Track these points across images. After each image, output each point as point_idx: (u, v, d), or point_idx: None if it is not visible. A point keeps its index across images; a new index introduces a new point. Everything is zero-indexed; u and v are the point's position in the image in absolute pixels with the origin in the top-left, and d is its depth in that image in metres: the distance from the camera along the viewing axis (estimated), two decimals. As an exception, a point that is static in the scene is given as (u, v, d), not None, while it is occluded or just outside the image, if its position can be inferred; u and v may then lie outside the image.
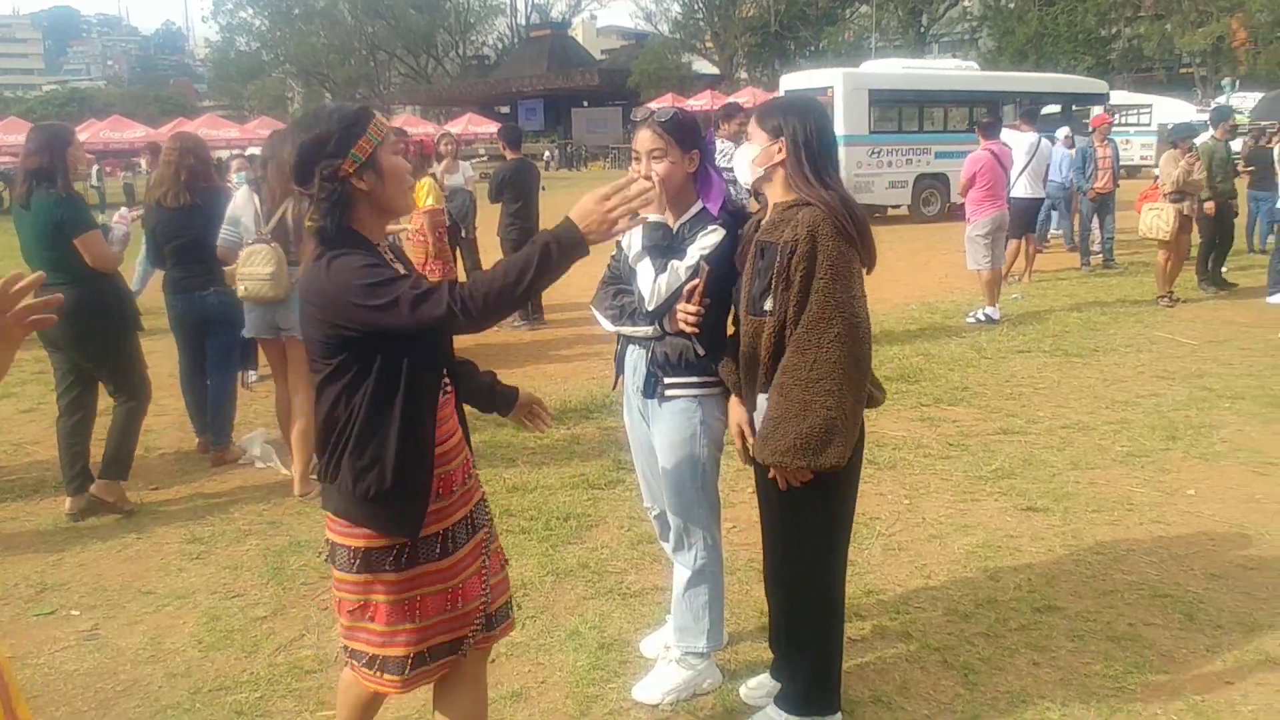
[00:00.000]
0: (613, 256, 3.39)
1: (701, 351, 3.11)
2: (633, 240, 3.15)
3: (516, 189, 9.67)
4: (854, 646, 3.73)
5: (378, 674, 2.44)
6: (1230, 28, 42.69)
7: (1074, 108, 21.67)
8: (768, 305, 2.86)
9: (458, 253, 10.51)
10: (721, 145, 8.47)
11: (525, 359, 8.73)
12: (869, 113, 19.66)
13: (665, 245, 3.09)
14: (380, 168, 2.30)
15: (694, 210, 3.15)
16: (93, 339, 5.22)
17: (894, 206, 20.42)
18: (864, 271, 2.87)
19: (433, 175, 9.66)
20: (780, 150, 2.92)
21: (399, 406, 2.29)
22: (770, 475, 2.91)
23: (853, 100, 19.47)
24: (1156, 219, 10.54)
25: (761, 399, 2.94)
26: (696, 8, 61.43)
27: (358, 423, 2.30)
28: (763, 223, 2.95)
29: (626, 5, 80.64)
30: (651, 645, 3.73)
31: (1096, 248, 13.52)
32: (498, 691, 3.53)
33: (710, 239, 3.07)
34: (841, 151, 14.18)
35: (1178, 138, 11.26)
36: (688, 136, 3.12)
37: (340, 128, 2.26)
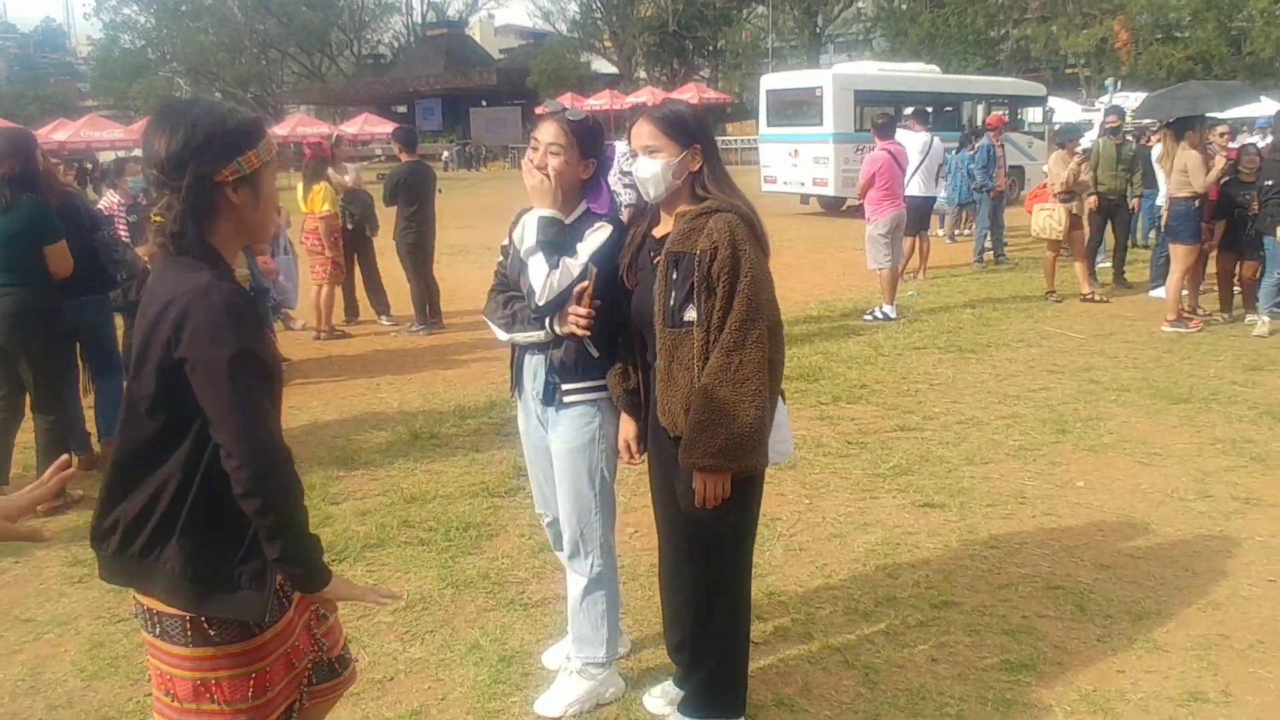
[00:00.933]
0: (500, 263, 3.33)
1: (596, 353, 3.08)
2: (525, 235, 3.09)
3: (411, 192, 9.49)
4: (756, 649, 3.72)
5: None
6: (1113, 30, 44.25)
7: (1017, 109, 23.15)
8: (689, 316, 2.82)
9: (354, 255, 10.31)
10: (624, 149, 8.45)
11: (423, 365, 8.57)
12: (854, 112, 20.41)
13: (557, 240, 3.04)
14: (259, 187, 2.10)
15: (578, 213, 3.13)
16: (39, 341, 5.37)
17: None
18: None
19: (326, 179, 9.46)
20: (695, 159, 2.90)
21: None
22: (694, 483, 2.87)
23: (841, 100, 20.29)
24: (1048, 219, 10.86)
25: None
26: (594, 7, 61.41)
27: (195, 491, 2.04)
28: (669, 235, 2.90)
29: (524, 4, 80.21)
30: (554, 656, 3.68)
31: (988, 244, 13.86)
32: (396, 711, 3.44)
33: (598, 235, 3.05)
34: (830, 149, 14.41)
35: (1065, 139, 11.60)
36: (591, 143, 3.09)
37: (234, 131, 2.04)
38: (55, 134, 33.47)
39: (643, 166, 2.91)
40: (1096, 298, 10.94)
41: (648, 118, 2.94)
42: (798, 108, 21.33)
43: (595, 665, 3.39)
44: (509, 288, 3.25)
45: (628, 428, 3.15)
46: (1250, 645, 3.74)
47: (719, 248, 2.75)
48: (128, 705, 3.53)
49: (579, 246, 3.05)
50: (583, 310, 3.00)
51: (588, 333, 3.02)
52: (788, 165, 20.87)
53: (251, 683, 2.12)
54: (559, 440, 3.21)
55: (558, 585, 4.26)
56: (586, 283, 3.00)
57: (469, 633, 3.95)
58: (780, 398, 2.97)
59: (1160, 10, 43.06)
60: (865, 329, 9.66)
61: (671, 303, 2.84)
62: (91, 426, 6.17)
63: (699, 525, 2.99)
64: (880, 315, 10.01)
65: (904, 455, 5.94)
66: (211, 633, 2.07)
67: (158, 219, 2.05)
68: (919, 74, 23.45)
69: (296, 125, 40.98)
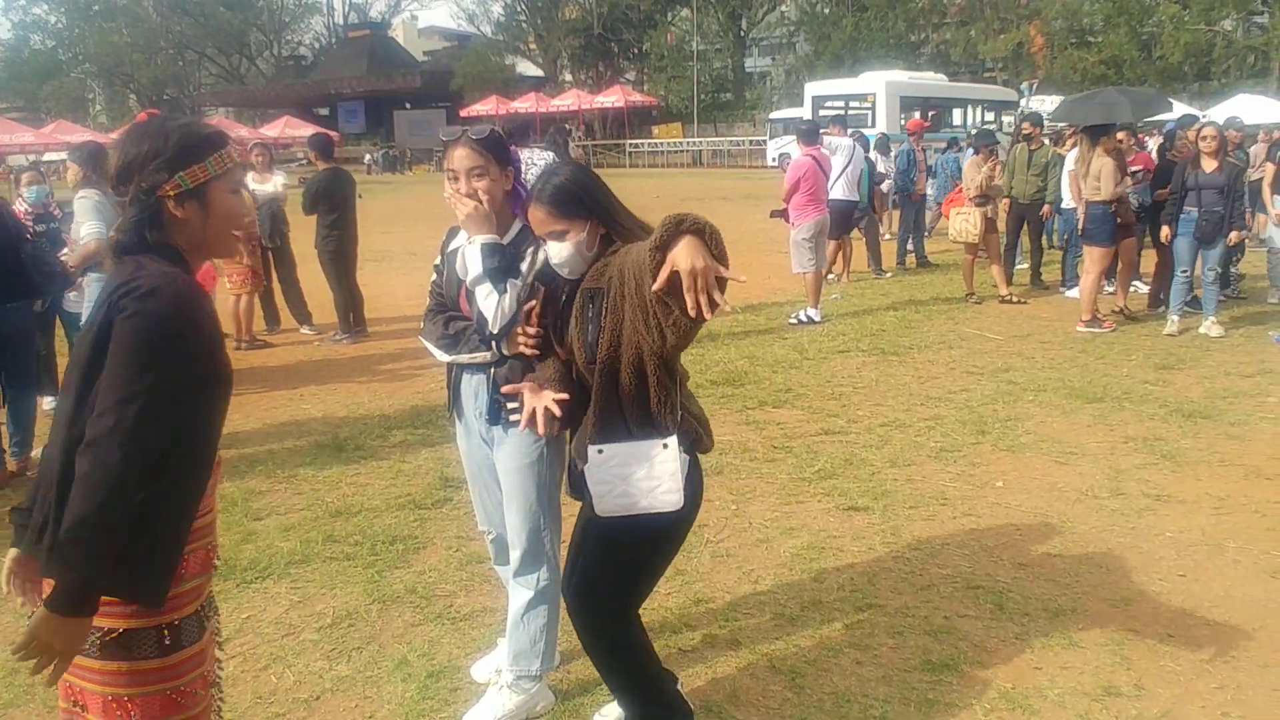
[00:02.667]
0: (434, 283, 3.31)
1: None
2: (469, 265, 3.06)
3: (331, 200, 9.37)
4: (684, 657, 3.76)
5: None
6: (1029, 34, 45.37)
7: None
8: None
9: (271, 264, 10.16)
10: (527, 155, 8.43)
11: (348, 374, 8.47)
12: (899, 114, 22.93)
13: (504, 266, 3.02)
14: (208, 202, 2.08)
15: (516, 228, 3.12)
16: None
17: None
18: None
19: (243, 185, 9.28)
20: (599, 225, 2.84)
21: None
22: None
23: (890, 104, 23.34)
24: (964, 223, 11.10)
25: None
26: (519, 10, 61.30)
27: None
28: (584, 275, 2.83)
29: (448, 6, 79.58)
30: (483, 670, 3.67)
31: (910, 247, 14.11)
32: (322, 730, 3.40)
33: (542, 254, 3.01)
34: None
35: (980, 144, 11.86)
36: (503, 153, 3.09)
37: (176, 146, 2.04)
38: None
39: (555, 252, 2.82)
40: (1014, 299, 11.19)
41: (538, 203, 2.82)
42: (848, 110, 23.77)
43: (528, 679, 3.38)
44: (447, 308, 3.22)
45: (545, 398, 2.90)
46: (1161, 639, 3.86)
47: (612, 265, 2.73)
48: (43, 733, 3.44)
49: (522, 266, 3.04)
50: (531, 330, 2.99)
51: (537, 352, 3.01)
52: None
53: (168, 702, 2.07)
54: (507, 458, 3.20)
55: (485, 598, 4.26)
56: (534, 302, 2.99)
57: (396, 648, 3.91)
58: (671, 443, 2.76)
59: (1074, 16, 44.31)
60: (790, 332, 9.77)
61: (589, 339, 2.77)
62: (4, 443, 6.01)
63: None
64: (804, 318, 10.13)
65: (829, 459, 6.02)
66: (132, 642, 2.02)
67: (113, 233, 2.10)
68: (935, 81, 27.03)
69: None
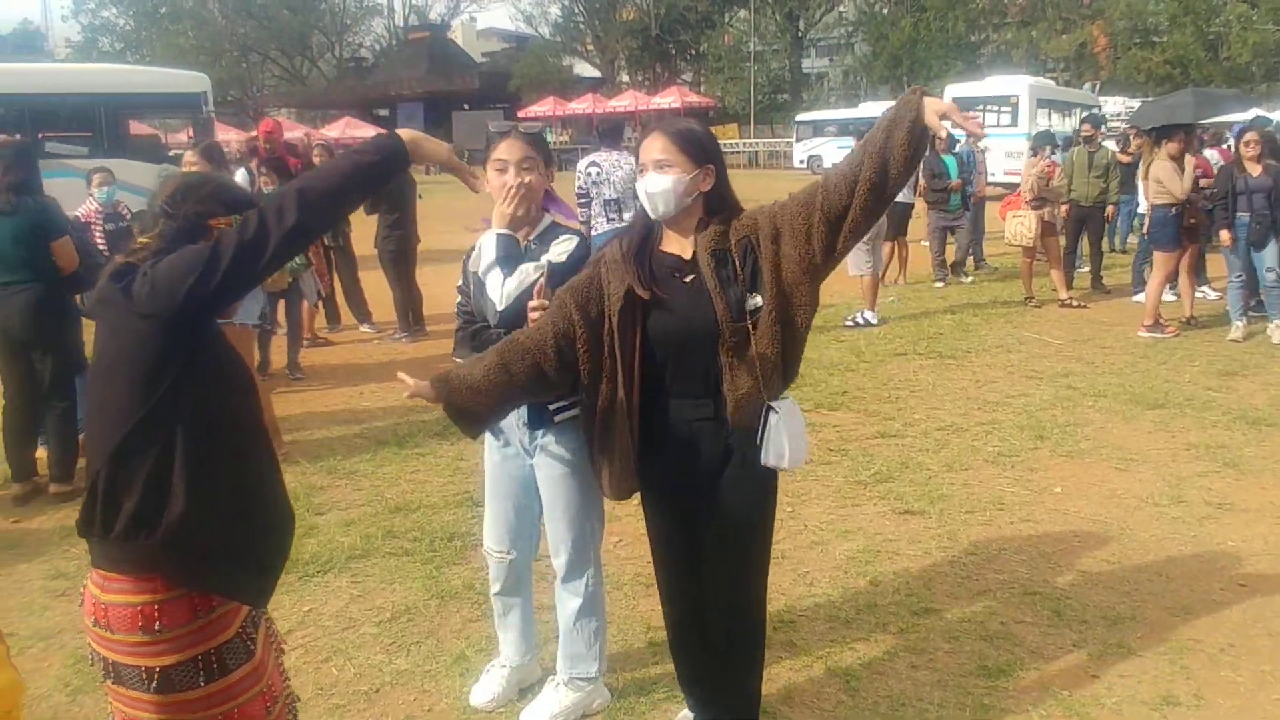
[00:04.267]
0: (459, 304, 3.36)
1: None
2: (482, 255, 3.10)
3: (392, 200, 9.51)
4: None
5: None
6: (1092, 34, 44.63)
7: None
8: (755, 303, 2.75)
9: (332, 263, 10.32)
10: (617, 157, 8.50)
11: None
12: (1037, 116, 25.78)
13: (515, 255, 3.06)
14: None
15: (544, 224, 3.17)
16: (55, 335, 5.78)
17: None
18: None
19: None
20: (707, 179, 2.82)
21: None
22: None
23: (1031, 105, 26.09)
24: (1019, 225, 10.98)
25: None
26: (577, 11, 61.48)
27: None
28: (698, 245, 2.82)
29: (506, 8, 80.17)
30: (481, 695, 3.57)
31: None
32: (382, 722, 3.48)
33: (565, 245, 3.06)
34: (1024, 145, 15.46)
35: (1038, 145, 11.72)
36: (548, 153, 3.15)
37: (242, 194, 2.24)
38: None
39: (651, 181, 2.77)
40: (1073, 303, 11.05)
41: (661, 131, 2.83)
42: (985, 112, 26.23)
43: (583, 679, 3.43)
44: (474, 321, 3.25)
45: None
46: (1221, 649, 3.82)
47: (759, 220, 2.80)
48: None
49: (545, 256, 3.06)
50: (537, 303, 2.97)
51: None
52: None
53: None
54: (550, 464, 3.21)
55: (541, 595, 4.30)
56: (540, 279, 2.99)
57: (454, 643, 3.98)
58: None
59: (1138, 15, 43.47)
60: (846, 334, 9.74)
61: (732, 298, 2.75)
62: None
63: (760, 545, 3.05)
64: (861, 320, 10.09)
65: (885, 462, 6.00)
66: (174, 679, 2.09)
67: (144, 241, 2.13)
68: (1052, 84, 30.86)
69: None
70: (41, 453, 5.99)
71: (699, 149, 2.82)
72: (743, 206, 2.91)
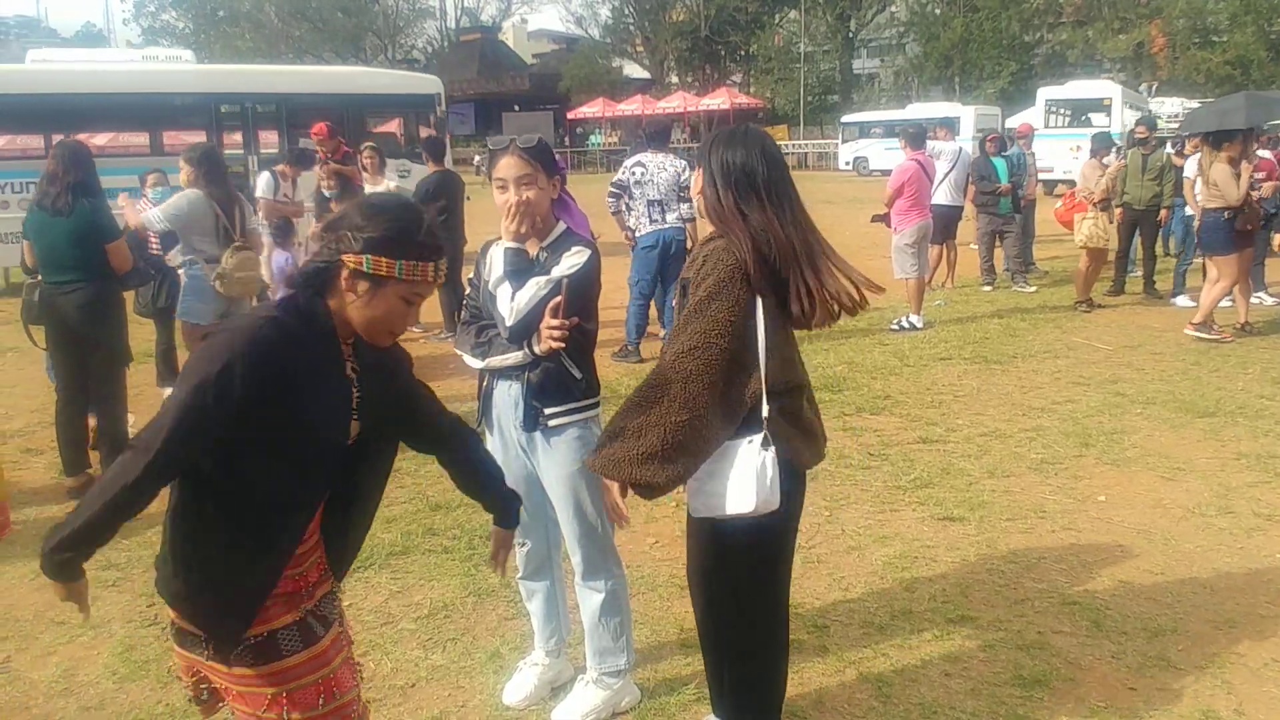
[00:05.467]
0: (468, 297, 3.38)
1: (578, 374, 3.12)
2: (493, 267, 3.14)
3: (440, 201, 9.62)
4: (772, 662, 3.78)
5: None
6: (1150, 34, 43.88)
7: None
8: None
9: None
10: (663, 159, 8.54)
11: (452, 371, 8.66)
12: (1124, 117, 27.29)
13: (525, 269, 3.09)
14: (374, 298, 2.10)
15: (556, 233, 3.17)
16: (107, 332, 5.95)
17: None
18: (768, 310, 2.79)
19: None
20: (699, 183, 2.88)
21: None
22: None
23: (1123, 108, 28.03)
24: (1094, 227, 10.81)
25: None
26: (626, 12, 61.56)
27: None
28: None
29: (557, 9, 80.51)
30: (513, 693, 3.61)
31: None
32: (417, 717, 3.53)
33: (576, 259, 3.07)
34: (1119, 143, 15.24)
35: (1098, 147, 11.57)
36: (550, 163, 3.14)
37: (387, 230, 2.08)
38: (94, 139, 33.87)
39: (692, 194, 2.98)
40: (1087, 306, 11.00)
41: (701, 167, 2.94)
42: (1078, 113, 29.29)
43: (613, 675, 3.45)
44: (480, 318, 3.27)
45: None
46: (1265, 664, 3.75)
47: (699, 272, 2.77)
48: (157, 708, 3.63)
49: (555, 270, 3.07)
50: (556, 323, 3.01)
51: (563, 345, 3.04)
52: (1068, 158, 24.43)
53: (280, 701, 2.19)
54: (554, 466, 3.23)
55: (572, 594, 4.33)
56: (559, 297, 3.02)
57: (490, 641, 4.02)
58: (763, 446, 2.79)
59: (1198, 14, 42.70)
60: (891, 338, 9.68)
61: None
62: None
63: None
64: (906, 325, 10.02)
65: (925, 468, 5.96)
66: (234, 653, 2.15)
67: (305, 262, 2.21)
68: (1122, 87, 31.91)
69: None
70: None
71: (701, 156, 2.93)
72: (751, 225, 2.81)
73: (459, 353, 3.37)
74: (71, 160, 5.79)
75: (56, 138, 15.01)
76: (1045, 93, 30.48)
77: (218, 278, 6.28)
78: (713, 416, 2.74)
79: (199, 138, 13.87)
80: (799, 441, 2.91)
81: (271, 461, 2.07)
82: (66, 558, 2.08)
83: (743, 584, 2.98)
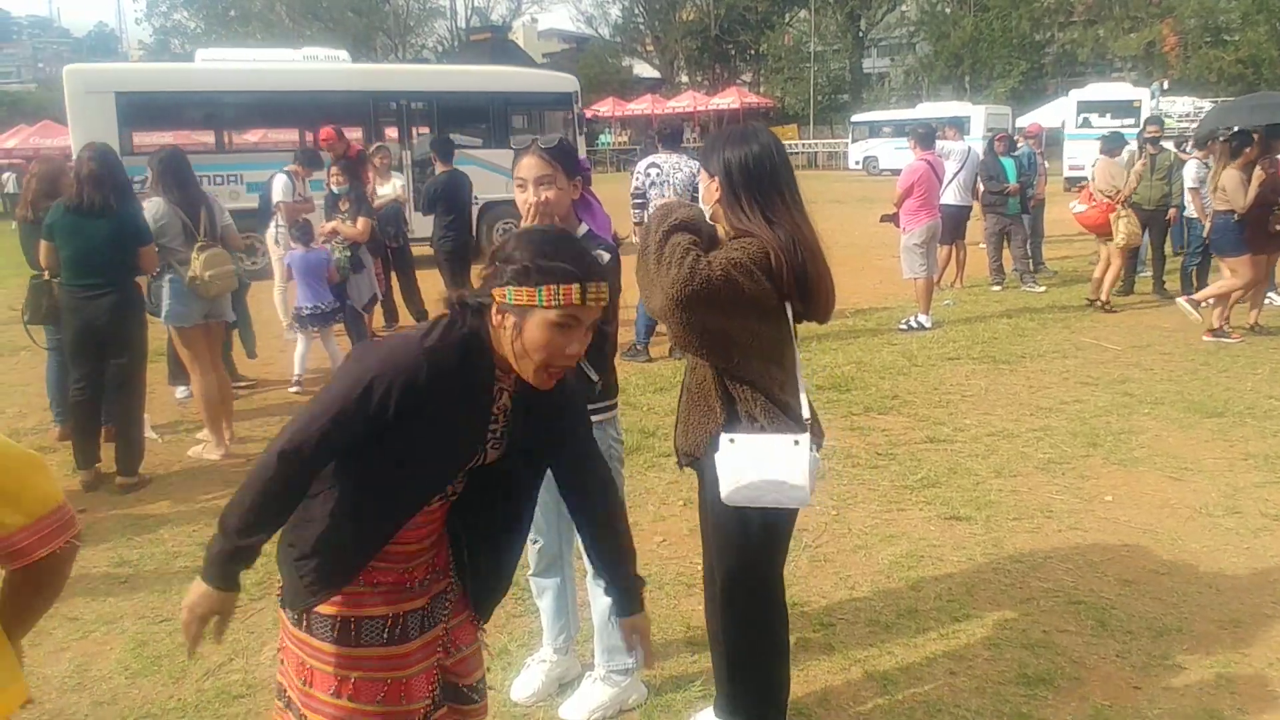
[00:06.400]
0: None
1: (594, 377, 3.13)
2: None
3: (448, 202, 9.68)
4: (777, 660, 3.80)
5: None
6: (1161, 33, 43.75)
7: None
8: None
9: (389, 262, 10.47)
10: (677, 159, 8.53)
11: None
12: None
13: None
14: (522, 327, 2.06)
15: (580, 233, 3.18)
16: (136, 333, 6.09)
17: None
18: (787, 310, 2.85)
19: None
20: (717, 188, 2.85)
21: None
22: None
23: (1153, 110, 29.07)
24: (1129, 225, 10.76)
25: (724, 437, 2.85)
26: (636, 12, 61.66)
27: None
28: None
29: (567, 9, 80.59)
30: (521, 690, 3.66)
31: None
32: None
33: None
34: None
35: (1110, 146, 11.55)
36: (571, 164, 3.15)
37: (527, 258, 2.04)
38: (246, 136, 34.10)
39: (703, 198, 2.96)
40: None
41: (713, 172, 2.94)
42: (1108, 113, 30.03)
43: (620, 673, 3.48)
44: None
45: None
46: (1270, 664, 3.76)
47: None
48: (169, 703, 3.67)
49: None
50: None
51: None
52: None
53: (339, 685, 2.21)
54: None
55: (585, 592, 4.36)
56: None
57: (498, 638, 4.05)
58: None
59: (1210, 13, 42.54)
60: (899, 338, 9.69)
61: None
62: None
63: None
64: (915, 324, 10.03)
65: (933, 467, 5.98)
66: (314, 625, 2.21)
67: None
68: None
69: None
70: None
71: (711, 161, 2.90)
72: (778, 226, 2.83)
73: None
74: (113, 163, 5.90)
75: (227, 134, 15.58)
76: (1077, 94, 32.22)
77: (192, 281, 6.28)
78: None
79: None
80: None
81: (386, 462, 2.11)
82: (229, 557, 2.11)
83: (753, 574, 3.06)
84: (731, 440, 2.82)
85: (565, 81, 18.16)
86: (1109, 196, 10.85)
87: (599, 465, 2.43)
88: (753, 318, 2.78)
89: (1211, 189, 9.58)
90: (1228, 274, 9.43)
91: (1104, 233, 10.92)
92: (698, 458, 2.96)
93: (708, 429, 2.90)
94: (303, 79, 16.04)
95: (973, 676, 3.70)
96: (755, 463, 2.79)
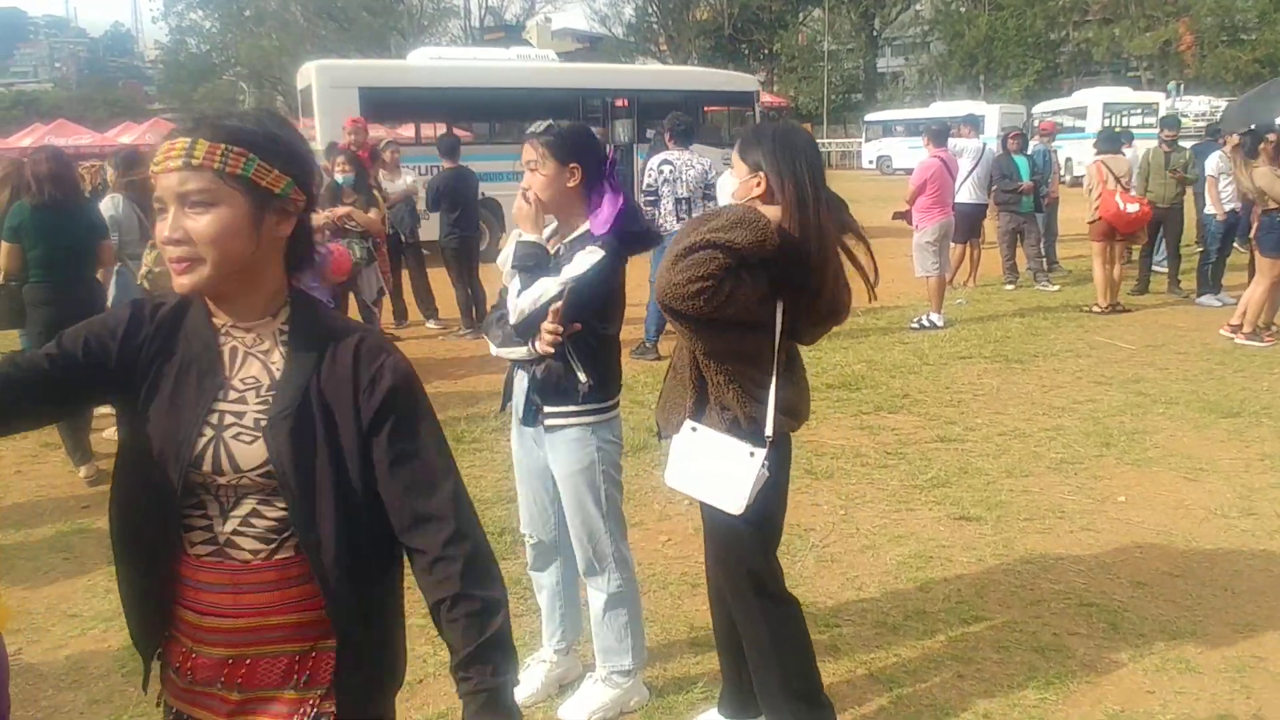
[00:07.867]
0: (502, 286, 3.36)
1: (584, 376, 3.06)
2: (506, 259, 3.13)
3: (454, 198, 9.66)
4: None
5: None
6: (1177, 32, 43.52)
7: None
8: None
9: (402, 259, 10.44)
10: (689, 156, 8.46)
11: (469, 368, 8.67)
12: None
13: (536, 265, 3.05)
14: None
15: (579, 230, 3.11)
16: None
17: None
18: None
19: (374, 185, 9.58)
20: (759, 185, 2.80)
21: None
22: None
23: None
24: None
25: (688, 424, 2.91)
26: (650, 11, 61.60)
27: None
28: None
29: (581, 8, 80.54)
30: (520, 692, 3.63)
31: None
32: (424, 713, 3.51)
33: (585, 260, 3.00)
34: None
35: (1106, 145, 11.43)
36: (567, 150, 3.04)
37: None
38: (122, 136, 34.23)
39: (722, 185, 2.96)
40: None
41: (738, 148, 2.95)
42: (1131, 116, 31.28)
43: (621, 674, 3.42)
44: (505, 305, 3.28)
45: None
46: (1286, 668, 3.68)
47: None
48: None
49: (565, 268, 3.02)
50: (549, 326, 2.98)
51: (551, 350, 3.02)
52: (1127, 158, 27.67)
53: None
54: (561, 463, 3.22)
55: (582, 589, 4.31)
56: (559, 303, 2.98)
57: (499, 638, 3.99)
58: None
59: (1226, 12, 42.31)
60: (910, 337, 9.61)
61: None
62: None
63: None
64: (926, 323, 9.94)
65: (943, 467, 5.90)
66: None
67: None
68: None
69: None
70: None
71: (754, 158, 2.85)
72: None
73: (484, 335, 3.38)
74: (66, 161, 5.94)
75: (442, 128, 15.67)
76: (1103, 95, 33.65)
77: (145, 276, 6.25)
78: None
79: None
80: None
81: None
82: None
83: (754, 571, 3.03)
84: (694, 429, 2.88)
85: (748, 81, 19.55)
86: (1124, 186, 10.72)
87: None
88: (734, 334, 2.81)
89: (1240, 193, 9.43)
90: (1265, 270, 9.17)
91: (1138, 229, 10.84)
92: (670, 436, 2.98)
93: (681, 410, 2.93)
94: (522, 76, 17.16)
95: (982, 679, 3.63)
96: (708, 457, 2.84)
